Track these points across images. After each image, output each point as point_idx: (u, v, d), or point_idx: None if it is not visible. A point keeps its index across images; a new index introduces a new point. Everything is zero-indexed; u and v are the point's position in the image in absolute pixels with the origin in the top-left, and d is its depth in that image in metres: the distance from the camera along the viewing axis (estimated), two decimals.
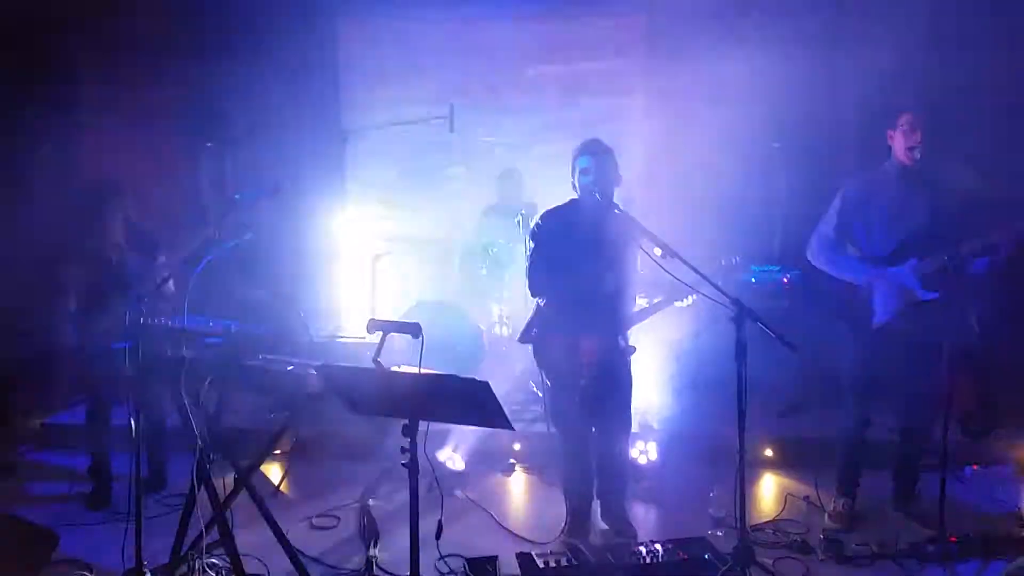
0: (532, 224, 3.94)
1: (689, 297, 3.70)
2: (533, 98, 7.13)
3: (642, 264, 3.70)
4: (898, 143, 3.70)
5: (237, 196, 3.15)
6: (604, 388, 3.68)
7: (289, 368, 2.97)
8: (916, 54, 5.78)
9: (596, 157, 3.67)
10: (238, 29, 6.15)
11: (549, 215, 3.87)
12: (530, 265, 3.85)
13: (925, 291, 3.64)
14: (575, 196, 3.78)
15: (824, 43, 6.17)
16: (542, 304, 3.77)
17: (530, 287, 3.84)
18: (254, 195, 3.17)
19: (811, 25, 6.12)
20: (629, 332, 3.87)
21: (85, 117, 6.11)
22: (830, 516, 3.99)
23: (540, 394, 4.84)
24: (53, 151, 5.30)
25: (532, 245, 3.88)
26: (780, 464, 4.75)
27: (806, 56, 6.23)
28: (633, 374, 3.87)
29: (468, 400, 2.63)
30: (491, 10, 6.85)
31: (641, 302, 3.96)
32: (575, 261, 3.64)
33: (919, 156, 3.65)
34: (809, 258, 3.98)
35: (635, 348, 3.86)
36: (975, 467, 4.65)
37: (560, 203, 3.90)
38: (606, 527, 3.86)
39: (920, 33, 5.70)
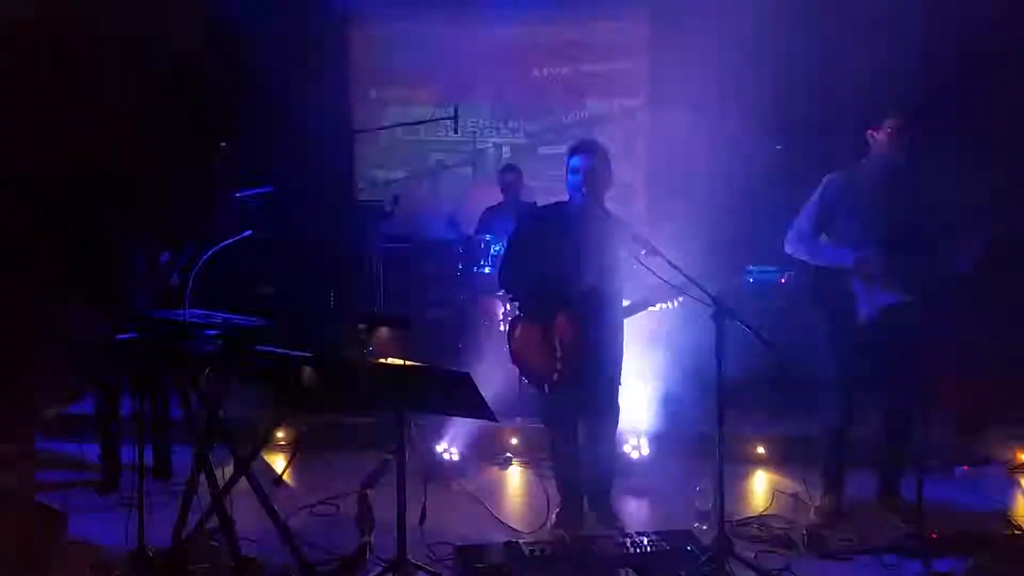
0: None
1: (670, 302, 3.74)
2: (539, 99, 7.26)
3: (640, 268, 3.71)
4: (882, 143, 3.78)
5: (237, 195, 3.29)
6: (585, 384, 3.75)
7: (284, 359, 3.10)
8: (912, 53, 5.85)
9: (586, 156, 3.72)
10: (250, 30, 6.30)
11: (531, 214, 3.98)
12: (503, 259, 3.94)
13: (906, 292, 3.71)
14: (566, 196, 3.86)
15: (825, 45, 6.23)
16: (508, 298, 3.86)
17: (499, 279, 3.93)
18: (253, 193, 3.31)
19: (811, 27, 6.19)
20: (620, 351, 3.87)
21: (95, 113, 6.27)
22: (816, 512, 4.07)
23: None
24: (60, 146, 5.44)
25: (510, 241, 3.96)
26: (771, 462, 4.83)
27: (808, 58, 6.31)
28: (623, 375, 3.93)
29: (451, 391, 2.75)
30: (497, 12, 6.98)
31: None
32: (550, 259, 3.71)
33: (904, 158, 3.73)
34: (786, 249, 4.07)
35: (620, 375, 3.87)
36: (966, 467, 4.71)
37: (552, 202, 4.00)
38: (595, 519, 3.96)
39: (915, 32, 5.77)
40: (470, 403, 2.73)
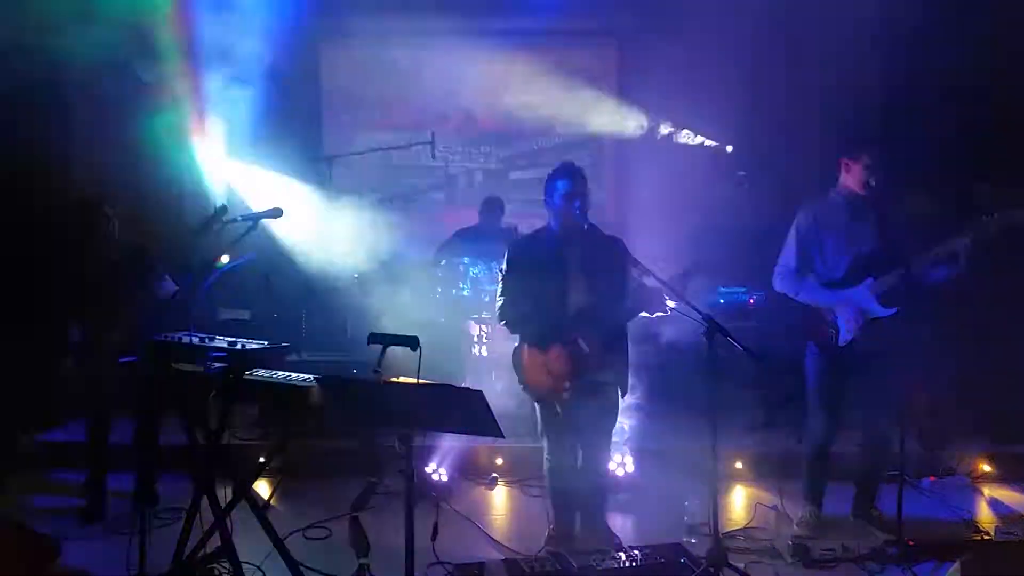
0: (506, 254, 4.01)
1: (663, 311, 3.82)
2: (510, 126, 7.40)
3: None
4: (855, 175, 3.98)
5: (239, 217, 3.30)
6: (589, 406, 3.82)
7: (290, 380, 3.13)
8: (871, 85, 6.18)
9: (578, 180, 3.79)
10: (226, 53, 6.32)
11: (520, 244, 4.06)
12: (502, 296, 3.95)
13: (884, 308, 3.91)
14: (550, 220, 3.92)
15: (787, 73, 6.50)
16: (513, 333, 3.90)
17: (501, 318, 3.93)
18: (255, 217, 3.31)
19: (773, 57, 6.46)
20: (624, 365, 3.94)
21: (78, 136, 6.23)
22: (798, 524, 4.21)
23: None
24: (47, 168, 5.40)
25: (503, 277, 3.97)
26: (750, 476, 4.97)
27: (772, 86, 6.58)
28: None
29: (463, 409, 2.79)
30: (470, 40, 7.11)
31: None
32: (549, 288, 3.77)
33: (873, 185, 3.93)
34: (776, 288, 4.23)
35: (626, 388, 3.96)
36: (932, 478, 4.92)
37: (533, 231, 4.10)
38: (588, 536, 4.02)
39: (873, 66, 6.09)
40: (481, 420, 2.77)
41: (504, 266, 3.99)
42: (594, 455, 3.98)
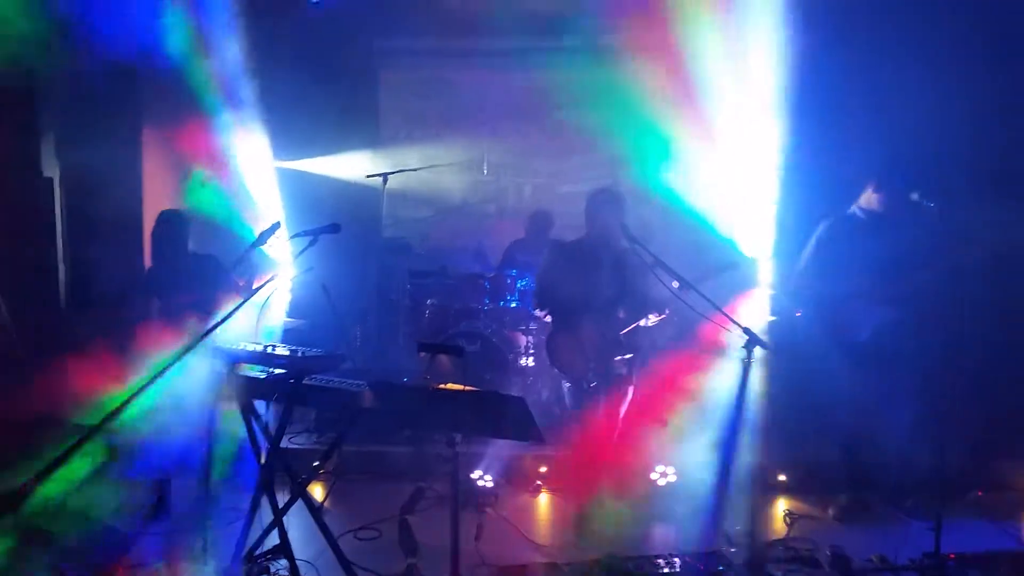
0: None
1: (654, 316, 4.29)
2: (559, 141, 7.56)
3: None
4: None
5: (300, 232, 3.51)
6: (609, 392, 4.41)
7: (345, 385, 3.32)
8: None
9: (621, 205, 4.42)
10: (287, 78, 6.63)
11: (561, 246, 4.71)
12: (537, 286, 4.64)
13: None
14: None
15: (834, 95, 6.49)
16: (543, 316, 4.48)
17: (535, 301, 4.57)
18: (314, 232, 3.52)
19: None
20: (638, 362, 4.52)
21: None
22: (834, 509, 4.59)
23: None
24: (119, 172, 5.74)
25: (541, 269, 4.67)
26: (793, 489, 5.00)
27: (811, 97, 6.57)
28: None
29: (506, 415, 2.95)
30: (520, 59, 7.29)
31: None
32: (581, 283, 4.32)
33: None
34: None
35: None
36: (980, 492, 4.87)
37: (574, 239, 4.65)
38: None
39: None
40: (523, 426, 2.92)
41: (544, 260, 4.65)
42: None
